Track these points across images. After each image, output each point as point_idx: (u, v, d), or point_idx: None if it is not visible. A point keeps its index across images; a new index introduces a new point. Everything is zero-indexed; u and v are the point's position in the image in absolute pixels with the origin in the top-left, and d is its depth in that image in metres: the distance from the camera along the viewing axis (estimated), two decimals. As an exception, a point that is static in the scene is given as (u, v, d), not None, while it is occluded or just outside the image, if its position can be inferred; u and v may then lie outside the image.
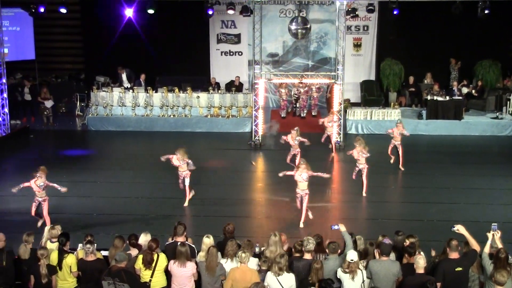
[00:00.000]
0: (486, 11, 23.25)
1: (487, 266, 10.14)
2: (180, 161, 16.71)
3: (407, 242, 10.98)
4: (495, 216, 13.03)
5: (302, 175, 15.34)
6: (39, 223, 15.26)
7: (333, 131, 22.78)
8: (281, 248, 10.97)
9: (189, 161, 16.79)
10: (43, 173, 15.01)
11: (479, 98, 27.83)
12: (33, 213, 15.28)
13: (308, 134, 21.48)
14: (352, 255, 10.09)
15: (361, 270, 10.18)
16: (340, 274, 10.12)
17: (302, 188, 15.51)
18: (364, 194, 17.76)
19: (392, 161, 20.33)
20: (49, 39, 33.61)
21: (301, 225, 15.62)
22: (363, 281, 10.16)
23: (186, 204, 17.14)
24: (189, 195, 17.18)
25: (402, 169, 20.02)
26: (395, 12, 24.52)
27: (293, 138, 19.37)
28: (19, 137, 24.25)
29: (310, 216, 15.78)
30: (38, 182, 14.92)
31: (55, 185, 15.05)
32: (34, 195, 15.10)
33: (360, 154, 17.43)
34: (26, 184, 14.90)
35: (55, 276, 10.68)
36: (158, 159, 16.96)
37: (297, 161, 19.04)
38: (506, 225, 13.60)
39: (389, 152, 20.40)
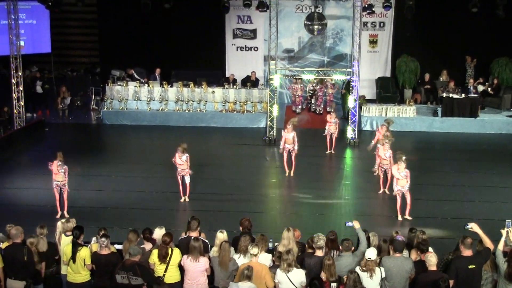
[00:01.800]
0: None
1: (501, 264, 10.11)
2: (180, 158, 16.69)
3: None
4: (509, 214, 12.96)
5: (401, 173, 15.35)
6: (58, 215, 15.59)
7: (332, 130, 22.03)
8: (294, 243, 10.97)
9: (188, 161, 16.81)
10: (61, 158, 15.50)
11: (495, 96, 27.68)
12: (57, 199, 15.78)
13: (324, 130, 21.57)
14: (370, 253, 10.05)
15: (380, 268, 10.15)
16: (358, 272, 10.09)
17: (402, 184, 15.50)
18: (387, 192, 17.62)
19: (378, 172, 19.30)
20: (65, 33, 33.78)
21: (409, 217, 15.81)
22: (382, 279, 10.14)
23: (185, 200, 17.16)
24: (188, 191, 17.13)
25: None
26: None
27: (289, 131, 19.03)
28: (35, 130, 24.44)
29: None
30: (60, 164, 15.42)
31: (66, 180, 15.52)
32: (51, 182, 15.56)
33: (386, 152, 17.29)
34: (50, 164, 15.47)
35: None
36: (172, 159, 17.00)
37: (293, 158, 19.09)
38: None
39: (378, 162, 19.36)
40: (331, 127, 21.41)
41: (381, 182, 17.74)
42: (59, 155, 15.54)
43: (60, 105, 27.21)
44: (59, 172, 15.49)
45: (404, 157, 15.37)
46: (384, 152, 17.24)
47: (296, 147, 19.08)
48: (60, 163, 15.46)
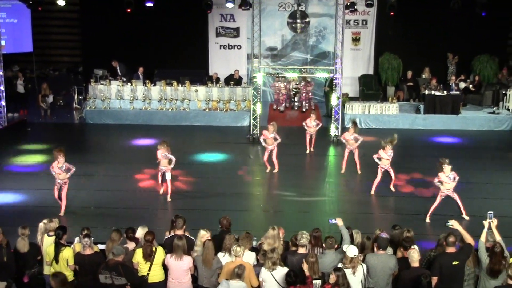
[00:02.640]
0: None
1: (483, 258, 10.21)
2: (162, 155, 16.72)
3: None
4: (491, 210, 13.06)
5: (449, 176, 15.33)
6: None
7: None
8: (279, 242, 11.00)
9: (172, 157, 16.77)
10: (60, 155, 15.50)
11: (477, 93, 27.85)
12: (56, 196, 15.86)
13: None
14: (352, 250, 10.10)
15: (362, 265, 10.20)
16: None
17: (448, 188, 15.43)
18: (359, 172, 18.14)
19: (343, 171, 19.51)
20: (47, 32, 33.64)
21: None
22: (364, 276, 10.19)
23: (165, 194, 17.25)
24: (170, 189, 17.15)
25: (359, 172, 19.31)
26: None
27: (270, 132, 19.01)
28: (17, 130, 24.28)
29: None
30: (59, 165, 15.46)
31: (71, 167, 15.61)
32: (54, 179, 15.74)
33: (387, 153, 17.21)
34: (52, 168, 15.54)
35: None
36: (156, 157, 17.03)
37: (273, 159, 19.14)
38: (503, 220, 13.64)
39: (344, 160, 19.46)
40: (310, 129, 21.24)
41: (376, 184, 17.58)
42: (58, 152, 15.59)
43: (42, 104, 27.03)
44: (62, 172, 15.54)
45: (447, 161, 15.37)
46: (385, 151, 17.19)
47: (275, 146, 19.09)
48: (60, 163, 15.48)
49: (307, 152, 21.55)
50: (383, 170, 17.39)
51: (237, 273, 9.67)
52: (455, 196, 15.51)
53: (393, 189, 17.62)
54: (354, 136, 18.81)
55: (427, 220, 15.60)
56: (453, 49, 29.62)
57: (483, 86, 28.11)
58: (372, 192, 17.54)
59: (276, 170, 19.28)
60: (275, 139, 18.99)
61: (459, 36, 29.14)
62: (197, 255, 10.69)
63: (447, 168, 15.22)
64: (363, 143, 19.01)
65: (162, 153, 16.65)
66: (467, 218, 15.45)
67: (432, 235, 13.90)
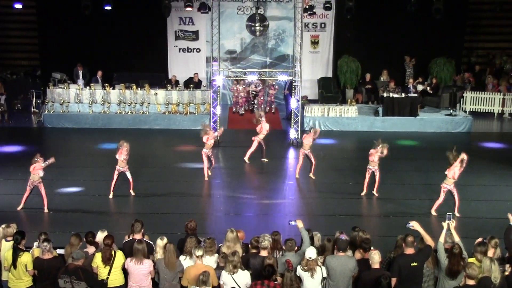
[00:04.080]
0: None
1: (442, 259, 10.33)
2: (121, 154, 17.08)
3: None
4: (449, 211, 13.28)
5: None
6: (20, 208, 16.15)
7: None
8: (238, 245, 11.02)
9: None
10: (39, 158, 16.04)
11: (434, 95, 28.22)
12: (26, 196, 16.17)
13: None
14: (310, 252, 10.15)
15: (320, 267, 10.26)
16: (299, 271, 10.18)
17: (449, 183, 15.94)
18: (376, 194, 17.64)
19: (297, 175, 19.45)
20: (4, 35, 33.17)
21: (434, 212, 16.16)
22: (323, 278, 10.25)
23: (132, 193, 17.54)
24: (131, 184, 17.49)
25: (313, 177, 19.29)
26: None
27: (210, 138, 19.03)
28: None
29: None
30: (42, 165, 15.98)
31: (47, 162, 16.12)
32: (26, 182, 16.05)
33: (376, 155, 17.25)
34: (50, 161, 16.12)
35: None
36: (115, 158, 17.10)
37: (213, 162, 19.34)
38: (463, 220, 13.87)
39: (299, 164, 19.43)
40: (260, 135, 20.85)
41: (366, 184, 17.66)
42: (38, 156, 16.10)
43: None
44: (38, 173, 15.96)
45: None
46: (379, 154, 17.31)
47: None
48: (39, 163, 15.94)
49: (262, 160, 21.18)
50: (370, 171, 17.49)
51: (203, 280, 9.65)
52: (455, 191, 15.97)
53: (376, 194, 17.65)
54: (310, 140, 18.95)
55: (433, 212, 16.08)
56: (411, 51, 30.02)
57: (441, 88, 28.51)
58: (363, 193, 17.72)
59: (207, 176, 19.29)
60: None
61: (416, 39, 29.56)
62: (159, 259, 10.66)
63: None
64: (323, 146, 19.10)
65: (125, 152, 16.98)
66: (458, 215, 15.78)
67: (391, 237, 14.05)
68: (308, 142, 18.85)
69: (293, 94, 23.62)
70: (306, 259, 10.12)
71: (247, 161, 20.80)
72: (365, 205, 17.10)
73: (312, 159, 19.02)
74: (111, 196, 17.30)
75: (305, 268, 10.13)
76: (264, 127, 20.66)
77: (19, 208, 16.09)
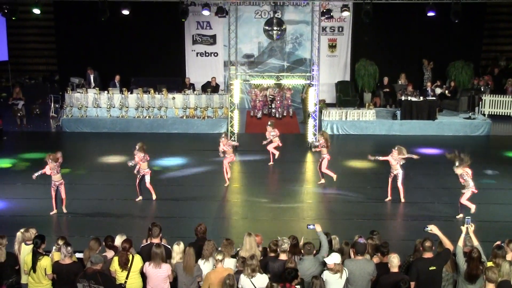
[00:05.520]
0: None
1: (461, 264, 10.25)
2: (139, 157, 17.11)
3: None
4: (467, 215, 13.20)
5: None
6: (53, 212, 16.26)
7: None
8: (256, 249, 10.98)
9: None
10: (48, 160, 15.99)
11: (452, 98, 28.08)
12: (53, 198, 16.30)
13: (283, 135, 21.67)
14: (335, 258, 10.08)
15: (345, 269, 10.19)
16: (327, 275, 10.07)
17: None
18: (402, 200, 17.38)
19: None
20: (22, 40, 33.44)
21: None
22: (346, 280, 10.21)
23: (154, 198, 17.60)
24: (153, 191, 17.56)
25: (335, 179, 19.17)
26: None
27: (269, 133, 20.14)
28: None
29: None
30: (51, 166, 15.97)
31: (39, 172, 16.05)
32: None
33: (398, 160, 17.11)
34: (43, 170, 15.96)
35: None
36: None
37: (228, 168, 19.15)
38: (481, 224, 13.76)
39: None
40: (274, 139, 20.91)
41: (390, 189, 17.52)
42: (49, 156, 16.04)
43: (15, 108, 26.75)
44: (55, 173, 16.05)
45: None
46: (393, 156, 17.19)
47: (233, 157, 19.24)
48: (54, 164, 15.99)
49: (269, 164, 21.24)
50: (392, 176, 17.32)
51: (230, 284, 9.62)
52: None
53: (402, 200, 17.44)
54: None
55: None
56: (429, 55, 29.89)
57: (459, 91, 28.34)
58: (387, 199, 17.59)
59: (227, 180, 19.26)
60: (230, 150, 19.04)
61: (434, 42, 29.45)
62: (177, 262, 10.64)
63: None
64: (340, 150, 19.03)
65: (140, 156, 17.06)
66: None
67: (411, 241, 13.97)
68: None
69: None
70: (334, 264, 10.03)
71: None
72: (384, 209, 17.00)
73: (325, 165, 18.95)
74: (138, 199, 17.43)
75: (334, 270, 10.04)
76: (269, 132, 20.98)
77: (52, 213, 16.27)
